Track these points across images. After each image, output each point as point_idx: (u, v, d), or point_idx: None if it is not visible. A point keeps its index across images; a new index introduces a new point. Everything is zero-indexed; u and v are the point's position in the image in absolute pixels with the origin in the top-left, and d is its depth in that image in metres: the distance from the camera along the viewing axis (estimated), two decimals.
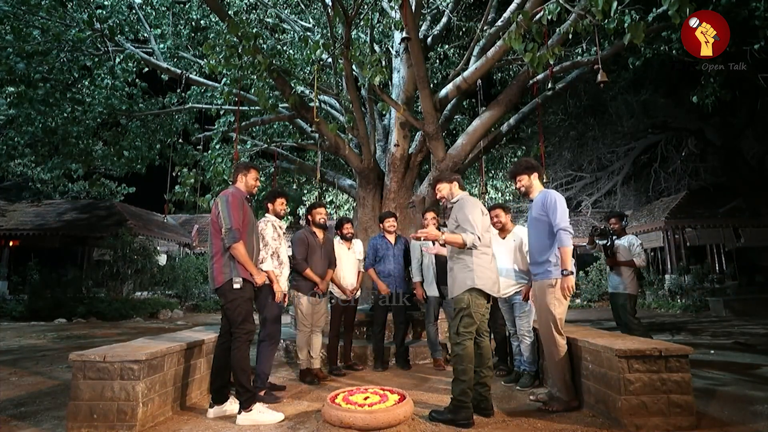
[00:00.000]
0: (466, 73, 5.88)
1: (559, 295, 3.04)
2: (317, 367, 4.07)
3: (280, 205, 3.87)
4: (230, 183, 6.65)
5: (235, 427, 2.81)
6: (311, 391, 3.67)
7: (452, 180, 3.25)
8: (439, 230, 3.29)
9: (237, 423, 2.85)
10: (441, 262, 4.20)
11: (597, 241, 4.92)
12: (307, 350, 4.03)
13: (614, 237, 4.87)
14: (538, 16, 3.62)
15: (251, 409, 2.88)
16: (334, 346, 4.41)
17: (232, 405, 3.04)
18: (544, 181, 6.94)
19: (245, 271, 3.04)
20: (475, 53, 6.51)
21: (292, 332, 4.18)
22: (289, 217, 10.60)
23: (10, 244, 14.06)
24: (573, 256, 3.09)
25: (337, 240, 4.59)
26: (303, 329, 4.01)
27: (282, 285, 3.66)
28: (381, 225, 4.85)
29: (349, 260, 4.52)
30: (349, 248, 4.55)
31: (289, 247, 3.96)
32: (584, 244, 17.30)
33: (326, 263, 4.16)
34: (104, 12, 6.68)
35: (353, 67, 5.95)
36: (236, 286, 2.97)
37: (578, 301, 14.15)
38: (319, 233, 4.22)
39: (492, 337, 4.47)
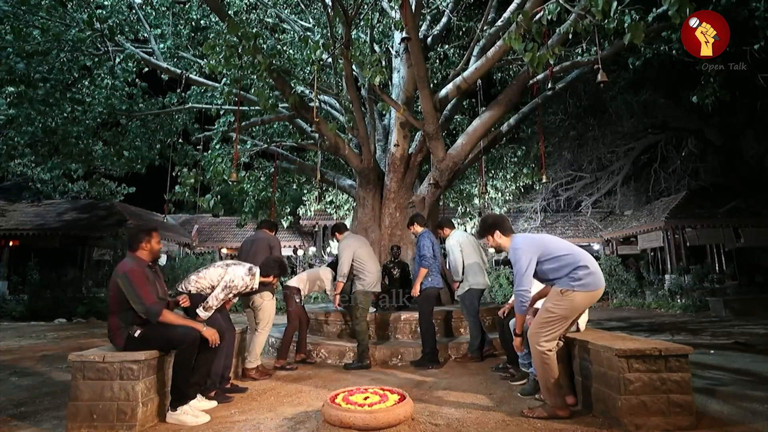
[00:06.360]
0: (466, 73, 5.87)
1: (561, 300, 2.86)
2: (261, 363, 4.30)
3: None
4: (230, 183, 6.72)
5: (236, 426, 2.81)
6: (310, 391, 3.67)
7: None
8: None
9: (167, 420, 2.92)
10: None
11: None
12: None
13: None
14: (538, 16, 3.62)
15: (178, 410, 2.93)
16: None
17: (200, 402, 3.14)
18: (544, 181, 6.97)
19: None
20: (475, 53, 6.50)
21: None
22: (289, 216, 10.60)
23: (10, 244, 14.05)
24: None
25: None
26: (266, 330, 4.26)
27: None
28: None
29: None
30: None
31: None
32: (585, 243, 17.35)
33: None
34: (104, 12, 6.67)
35: (353, 67, 5.94)
36: (136, 334, 2.88)
37: None
38: None
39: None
